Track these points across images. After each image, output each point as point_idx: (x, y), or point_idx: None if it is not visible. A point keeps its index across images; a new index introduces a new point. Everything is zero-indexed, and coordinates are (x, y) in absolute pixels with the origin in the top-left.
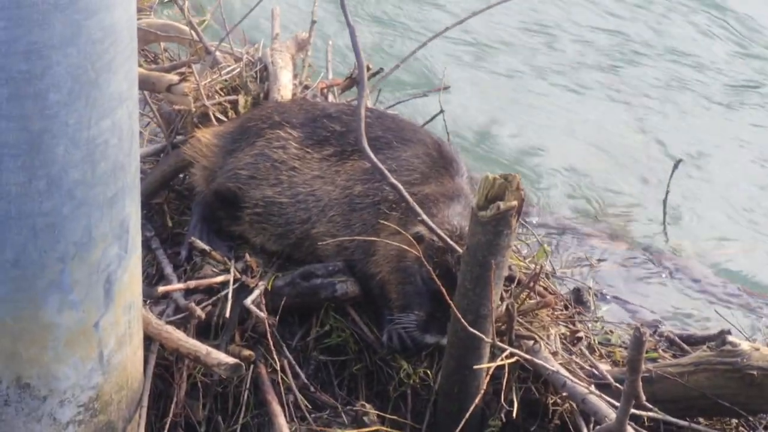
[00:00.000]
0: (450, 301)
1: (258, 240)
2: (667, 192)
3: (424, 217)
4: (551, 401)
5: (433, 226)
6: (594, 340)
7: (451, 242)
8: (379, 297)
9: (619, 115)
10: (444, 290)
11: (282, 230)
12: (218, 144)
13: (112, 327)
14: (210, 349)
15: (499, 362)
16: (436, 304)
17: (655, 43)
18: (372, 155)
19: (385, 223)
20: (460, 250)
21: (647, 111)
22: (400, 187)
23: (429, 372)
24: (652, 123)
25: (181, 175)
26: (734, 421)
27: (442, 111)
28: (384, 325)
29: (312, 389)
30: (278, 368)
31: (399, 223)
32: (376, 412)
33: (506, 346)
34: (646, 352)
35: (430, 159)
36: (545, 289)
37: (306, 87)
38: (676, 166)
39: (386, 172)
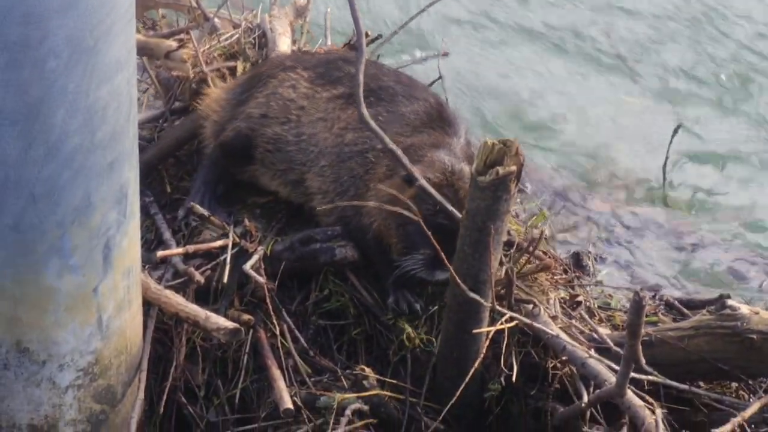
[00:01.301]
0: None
1: (266, 178)
2: (667, 156)
3: (422, 180)
4: (551, 365)
5: (431, 189)
6: (594, 304)
7: (444, 201)
8: (377, 255)
9: (619, 79)
10: (446, 226)
11: (286, 167)
12: (227, 98)
13: (111, 292)
14: (209, 313)
15: (498, 326)
16: (439, 239)
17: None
18: (369, 118)
19: (375, 172)
20: (456, 213)
21: (648, 75)
22: (396, 149)
23: (429, 337)
24: (652, 87)
25: None
26: (734, 384)
27: (441, 77)
28: (388, 287)
29: (311, 353)
30: (277, 333)
31: (387, 171)
32: (376, 376)
33: (506, 311)
34: (646, 316)
35: (427, 117)
36: (544, 253)
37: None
38: (676, 131)
39: (384, 135)
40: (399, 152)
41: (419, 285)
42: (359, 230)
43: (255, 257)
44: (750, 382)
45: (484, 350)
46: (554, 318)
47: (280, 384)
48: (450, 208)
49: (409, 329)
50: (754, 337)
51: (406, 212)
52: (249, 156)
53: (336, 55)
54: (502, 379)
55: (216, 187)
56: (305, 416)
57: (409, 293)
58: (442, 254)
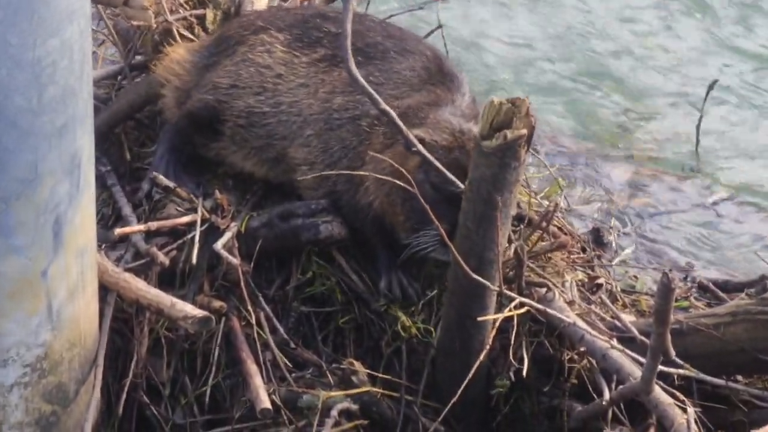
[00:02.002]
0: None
1: (238, 157)
2: (701, 116)
3: (419, 147)
4: (567, 358)
5: (430, 156)
6: (616, 287)
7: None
8: (374, 235)
9: (647, 28)
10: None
11: (262, 143)
12: (192, 60)
13: (63, 275)
14: (175, 300)
15: (506, 313)
16: (455, 211)
17: None
18: (358, 75)
19: (370, 142)
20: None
21: (682, 25)
22: (389, 110)
23: (427, 325)
24: (685, 35)
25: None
26: None
27: (440, 26)
28: (380, 269)
29: (292, 345)
30: (253, 322)
31: (385, 139)
32: (367, 371)
33: (515, 295)
34: (676, 300)
35: (426, 73)
36: (560, 229)
37: None
38: (711, 87)
39: (375, 95)
40: (392, 114)
41: (415, 266)
42: (353, 208)
43: (227, 235)
44: None
45: (490, 341)
46: (571, 303)
47: (257, 380)
48: (453, 179)
49: (404, 317)
50: None
51: (407, 187)
52: (216, 131)
53: (312, 10)
54: (512, 373)
55: (181, 155)
56: (285, 417)
57: (403, 276)
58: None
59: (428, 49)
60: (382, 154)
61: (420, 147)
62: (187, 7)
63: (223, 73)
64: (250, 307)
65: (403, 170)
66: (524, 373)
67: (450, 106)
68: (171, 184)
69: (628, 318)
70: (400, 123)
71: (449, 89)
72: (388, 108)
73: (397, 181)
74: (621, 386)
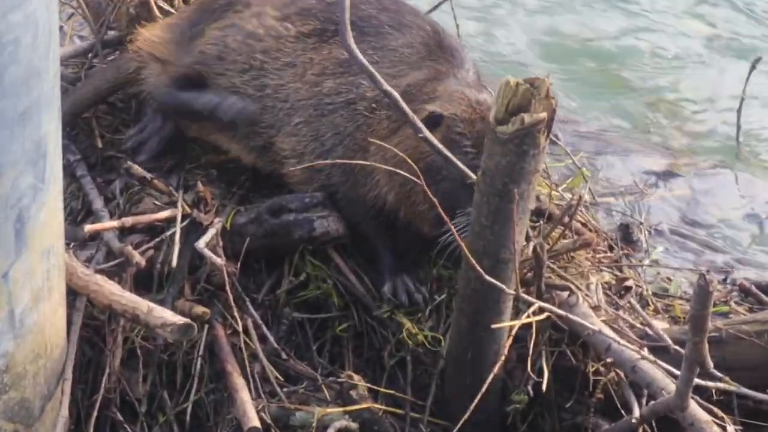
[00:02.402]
0: None
1: (222, 139)
2: (742, 99)
3: (427, 133)
4: (592, 370)
5: (438, 143)
6: (647, 291)
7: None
8: (377, 231)
9: (680, 5)
10: None
11: (246, 130)
12: (172, 38)
13: (26, 278)
14: (152, 305)
15: (524, 320)
16: None
17: None
18: (358, 53)
19: (370, 131)
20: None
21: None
22: (392, 91)
23: (435, 334)
24: (725, 12)
25: None
26: None
27: None
28: (383, 270)
29: (284, 356)
30: (240, 330)
31: (390, 123)
32: (367, 385)
33: (533, 299)
34: (714, 304)
35: (425, 49)
36: (584, 224)
37: None
38: (754, 66)
39: (376, 74)
40: (396, 95)
41: (422, 268)
42: (352, 202)
43: (211, 232)
44: None
45: (506, 351)
46: (596, 309)
47: (244, 395)
48: (462, 167)
49: (409, 324)
50: None
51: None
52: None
53: None
54: (530, 387)
55: (166, 130)
56: None
57: (409, 279)
58: None
59: (427, 23)
60: (388, 141)
61: (428, 134)
62: None
63: (209, 40)
64: (236, 314)
65: (418, 156)
66: (544, 386)
67: (453, 78)
68: (147, 175)
69: (660, 325)
70: (405, 106)
71: (451, 64)
72: (391, 89)
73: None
74: (652, 402)
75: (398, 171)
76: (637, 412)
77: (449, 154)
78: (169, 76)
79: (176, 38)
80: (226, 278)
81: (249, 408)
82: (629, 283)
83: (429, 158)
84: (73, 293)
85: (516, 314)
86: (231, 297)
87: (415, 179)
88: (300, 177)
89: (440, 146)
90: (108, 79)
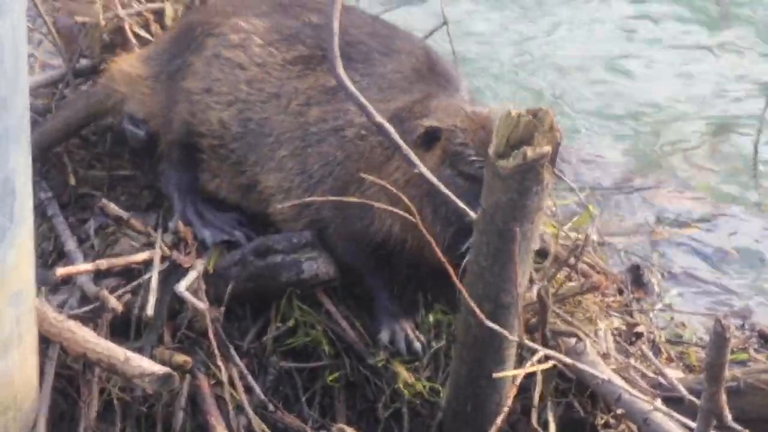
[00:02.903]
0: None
1: (214, 185)
2: (759, 131)
3: (422, 169)
4: (602, 422)
5: (436, 181)
6: (659, 337)
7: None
8: (373, 271)
9: (696, 27)
10: None
11: (233, 172)
12: (150, 72)
13: None
14: (130, 353)
15: (529, 368)
16: None
17: None
18: (347, 81)
19: (364, 159)
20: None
21: (736, 22)
22: (387, 126)
23: (433, 383)
24: (736, 39)
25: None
26: None
27: (445, 23)
28: (379, 316)
29: (271, 408)
30: (225, 380)
31: (384, 151)
32: None
33: (538, 346)
34: (732, 352)
35: (415, 74)
36: (591, 266)
37: None
38: None
39: (368, 105)
40: (388, 127)
41: (419, 311)
42: (345, 238)
43: (192, 275)
44: None
45: (509, 402)
46: (605, 356)
47: None
48: (460, 203)
49: (405, 373)
50: None
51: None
52: (197, 159)
53: None
54: None
55: (197, 193)
56: None
57: (408, 325)
58: None
59: (418, 48)
60: (384, 168)
61: (424, 170)
62: (142, 0)
63: (193, 76)
64: (220, 362)
65: (417, 181)
66: None
67: (444, 95)
68: (123, 214)
69: (674, 374)
70: (398, 138)
71: (445, 89)
72: (383, 121)
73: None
74: None
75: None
76: None
77: (446, 191)
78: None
79: (154, 72)
80: (209, 324)
81: None
82: (640, 328)
83: (436, 173)
84: (45, 341)
85: (519, 362)
86: (214, 344)
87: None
88: (287, 213)
89: (436, 181)
90: (78, 110)
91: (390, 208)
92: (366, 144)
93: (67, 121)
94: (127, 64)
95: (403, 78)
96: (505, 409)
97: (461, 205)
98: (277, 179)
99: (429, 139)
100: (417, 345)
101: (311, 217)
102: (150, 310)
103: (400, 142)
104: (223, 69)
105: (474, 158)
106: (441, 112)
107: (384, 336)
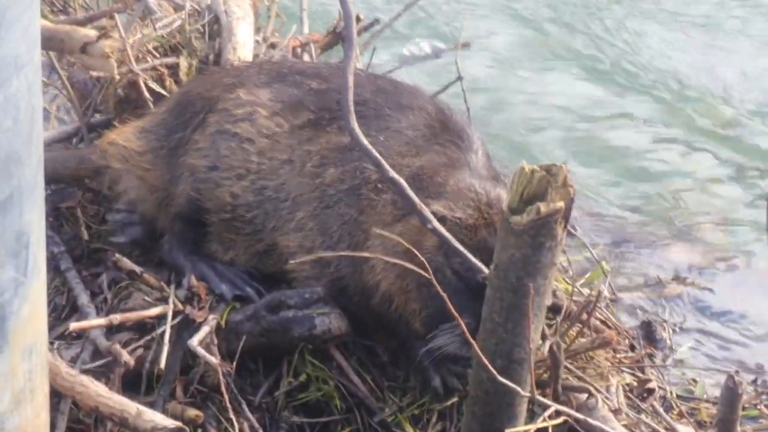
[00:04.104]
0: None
1: (228, 257)
2: None
3: (435, 223)
4: None
5: (449, 235)
6: (671, 393)
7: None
8: (398, 322)
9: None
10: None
11: (250, 240)
12: (148, 146)
13: (6, 379)
14: (142, 408)
15: (540, 424)
16: (481, 303)
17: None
18: (362, 137)
19: (375, 213)
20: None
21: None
22: (402, 182)
23: None
24: (748, 82)
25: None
26: None
27: (460, 78)
28: (427, 363)
29: None
30: None
31: (395, 210)
32: None
33: (550, 402)
34: (744, 408)
35: (430, 132)
36: (603, 322)
37: (272, 45)
38: None
39: (382, 161)
40: (403, 184)
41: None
42: (363, 293)
43: (205, 330)
44: None
45: None
46: (617, 412)
47: None
48: (481, 266)
49: (413, 430)
50: None
51: (422, 273)
52: (203, 232)
53: (285, 68)
54: None
55: (204, 259)
56: None
57: (452, 366)
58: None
59: (428, 103)
60: (391, 227)
61: (438, 226)
62: (157, 55)
63: (198, 154)
64: (232, 417)
65: (418, 251)
66: None
67: (467, 169)
68: (137, 269)
69: (685, 430)
70: (413, 196)
71: (460, 148)
72: (397, 176)
73: (410, 265)
74: None
75: (393, 261)
76: None
77: (459, 246)
78: (164, 207)
79: (153, 147)
80: (221, 379)
81: None
82: (652, 384)
83: (429, 255)
84: (57, 395)
85: (531, 418)
86: (226, 399)
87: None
88: (309, 273)
89: (451, 238)
90: (69, 167)
91: (399, 261)
92: (380, 200)
93: (57, 171)
94: (122, 138)
95: (420, 135)
96: None
97: (470, 257)
98: (298, 238)
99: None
100: (455, 381)
101: (331, 276)
102: (164, 360)
103: (415, 198)
104: (230, 145)
105: (465, 262)
106: (453, 197)
107: (436, 383)
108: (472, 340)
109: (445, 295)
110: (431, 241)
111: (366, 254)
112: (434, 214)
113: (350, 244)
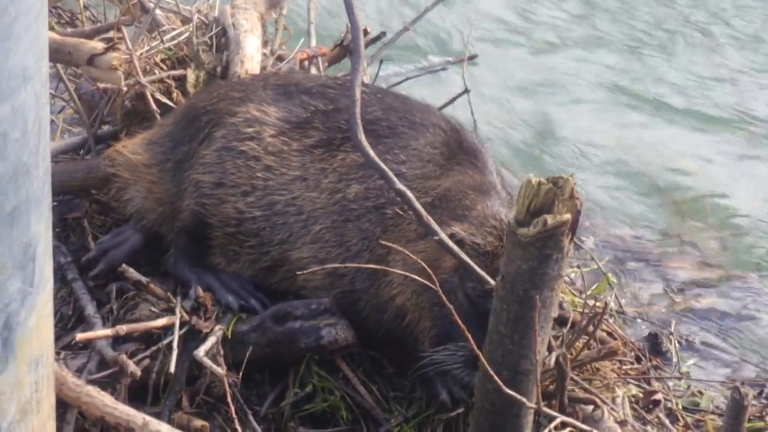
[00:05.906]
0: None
1: (232, 269)
2: None
3: (442, 235)
4: None
5: (457, 249)
6: (677, 405)
7: (481, 273)
8: (407, 337)
9: (710, 92)
10: None
11: (255, 254)
12: (153, 159)
13: (13, 390)
14: (148, 417)
15: None
16: (485, 332)
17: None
18: (368, 148)
19: (398, 230)
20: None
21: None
22: (406, 191)
23: None
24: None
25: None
26: None
27: (467, 90)
28: (435, 377)
29: None
30: None
31: (418, 228)
32: None
33: (556, 413)
34: (749, 420)
35: (448, 150)
36: (609, 334)
37: (280, 58)
38: None
39: (389, 172)
40: (409, 195)
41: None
42: (377, 308)
43: (211, 340)
44: None
45: None
46: (623, 424)
47: None
48: (484, 274)
49: None
50: None
51: (437, 290)
52: (207, 245)
53: (292, 85)
54: None
55: (210, 271)
56: None
57: (458, 373)
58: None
59: (442, 120)
60: (413, 244)
61: (446, 239)
62: (164, 67)
63: (204, 169)
64: (238, 427)
65: (436, 270)
66: None
67: (495, 195)
68: (143, 279)
69: None
70: (420, 207)
71: (477, 168)
72: (404, 189)
73: (426, 282)
74: None
75: (412, 276)
76: None
77: (470, 262)
78: (170, 219)
79: (159, 160)
80: (227, 389)
81: None
82: (658, 396)
83: (445, 276)
84: (63, 405)
85: (537, 429)
86: (232, 409)
87: (436, 289)
88: (318, 282)
89: (462, 254)
90: (77, 179)
91: (415, 276)
92: (405, 218)
93: (64, 183)
94: (129, 150)
95: (438, 153)
96: None
97: (479, 271)
98: (312, 250)
99: (455, 243)
100: (462, 393)
101: (344, 288)
102: (171, 370)
103: (422, 210)
104: (237, 162)
105: (479, 287)
106: (476, 222)
107: (444, 396)
108: (482, 356)
109: (456, 317)
110: (450, 263)
111: (373, 266)
112: (453, 235)
113: (369, 261)
